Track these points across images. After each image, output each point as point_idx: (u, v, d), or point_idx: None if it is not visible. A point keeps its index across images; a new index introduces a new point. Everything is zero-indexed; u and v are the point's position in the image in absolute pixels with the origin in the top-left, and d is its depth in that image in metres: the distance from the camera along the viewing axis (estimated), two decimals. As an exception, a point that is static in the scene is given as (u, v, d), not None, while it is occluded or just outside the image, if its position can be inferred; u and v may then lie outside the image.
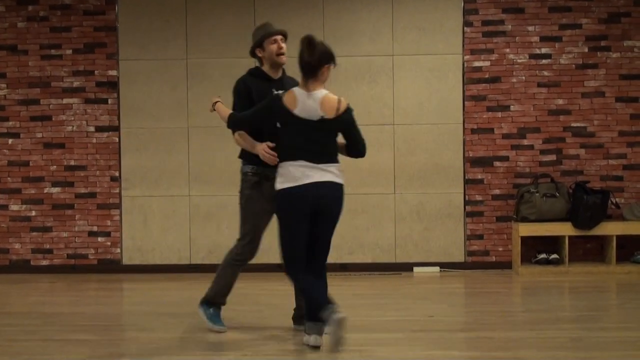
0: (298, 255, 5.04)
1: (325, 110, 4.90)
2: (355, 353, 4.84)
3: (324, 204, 4.94)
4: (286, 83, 5.35)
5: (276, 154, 5.01)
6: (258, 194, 5.29)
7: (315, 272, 5.05)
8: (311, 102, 4.89)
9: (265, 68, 5.40)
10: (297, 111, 4.89)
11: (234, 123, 5.18)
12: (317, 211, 4.95)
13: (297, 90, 4.95)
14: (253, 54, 5.44)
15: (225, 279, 5.43)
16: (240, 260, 5.41)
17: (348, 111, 4.97)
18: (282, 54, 5.33)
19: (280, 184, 4.96)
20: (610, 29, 8.19)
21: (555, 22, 8.21)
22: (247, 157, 5.32)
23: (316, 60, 4.90)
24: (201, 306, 5.50)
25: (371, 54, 8.23)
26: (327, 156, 4.97)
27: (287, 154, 4.95)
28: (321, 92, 4.93)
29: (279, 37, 5.34)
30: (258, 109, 5.06)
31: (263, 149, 5.06)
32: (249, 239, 5.36)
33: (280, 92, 5.09)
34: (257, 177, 5.28)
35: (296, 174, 4.89)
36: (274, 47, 5.31)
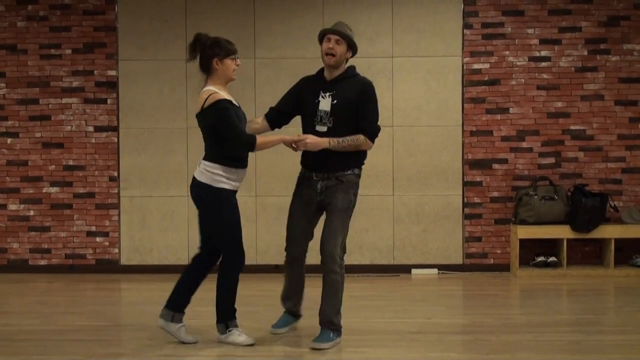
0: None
1: (197, 106, 5.00)
2: (353, 355, 4.84)
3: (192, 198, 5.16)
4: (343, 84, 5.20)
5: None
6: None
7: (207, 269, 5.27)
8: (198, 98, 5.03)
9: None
10: None
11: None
12: None
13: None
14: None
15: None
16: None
17: (212, 106, 4.89)
18: (330, 54, 5.13)
19: None
20: (609, 32, 8.19)
21: (555, 25, 8.22)
22: None
23: (202, 57, 5.01)
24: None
25: (371, 56, 8.23)
26: (206, 151, 5.06)
27: None
28: (205, 88, 5.00)
29: (333, 37, 5.14)
30: None
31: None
32: None
33: None
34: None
35: None
36: (324, 45, 5.17)
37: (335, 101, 5.12)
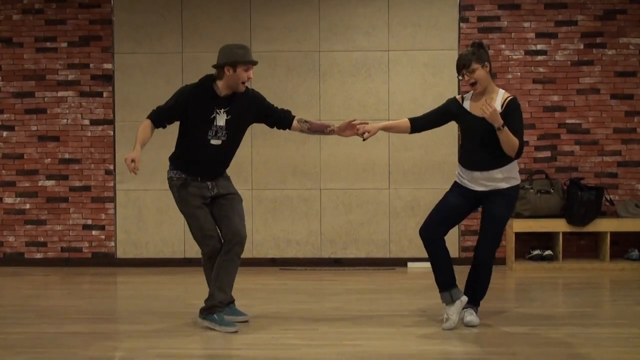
0: None
1: None
2: (349, 348, 4.85)
3: None
4: (236, 100, 5.34)
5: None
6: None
7: None
8: None
9: (221, 85, 5.30)
10: None
11: None
12: None
13: None
14: (219, 67, 5.28)
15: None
16: (206, 259, 5.47)
17: None
18: (246, 82, 5.30)
19: None
20: (605, 25, 8.19)
21: (551, 18, 8.21)
22: None
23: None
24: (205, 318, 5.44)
25: (367, 49, 8.23)
26: None
27: None
28: None
29: (252, 67, 5.26)
30: None
31: None
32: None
33: None
34: None
35: None
36: (245, 74, 5.22)
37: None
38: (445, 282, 5.43)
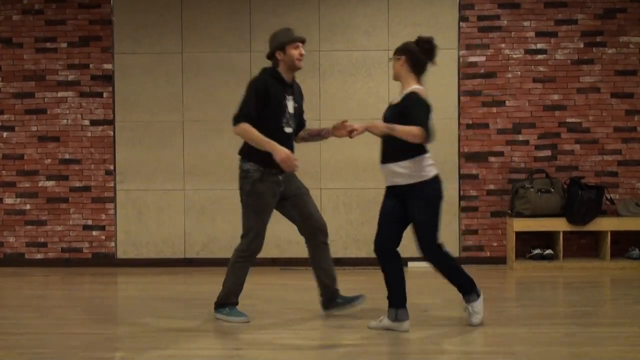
0: None
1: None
2: (350, 347, 4.85)
3: None
4: (295, 88, 5.57)
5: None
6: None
7: None
8: None
9: (282, 70, 5.44)
10: None
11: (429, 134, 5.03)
12: None
13: None
14: (271, 56, 5.47)
15: (233, 278, 5.49)
16: (246, 256, 5.47)
17: None
18: (302, 59, 5.44)
19: None
20: (605, 24, 8.19)
21: (551, 17, 8.21)
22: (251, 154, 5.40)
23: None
24: (217, 311, 5.56)
25: (367, 49, 8.23)
26: None
27: None
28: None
29: (300, 44, 5.43)
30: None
31: None
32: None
33: None
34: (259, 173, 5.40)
35: None
36: (295, 52, 5.39)
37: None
38: (393, 300, 5.28)
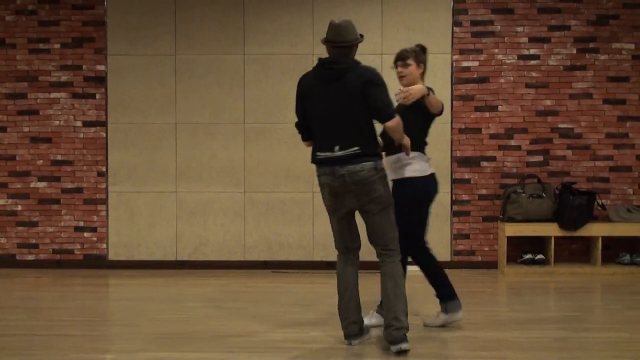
0: None
1: None
2: (341, 351, 4.85)
3: None
4: None
5: None
6: None
7: None
8: None
9: None
10: None
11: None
12: None
13: None
14: (351, 45, 5.51)
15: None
16: None
17: None
18: None
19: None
20: (598, 31, 8.22)
21: (544, 23, 8.24)
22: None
23: None
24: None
25: (360, 53, 8.18)
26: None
27: None
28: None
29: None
30: None
31: None
32: None
33: None
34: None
35: None
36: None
37: None
38: (441, 295, 5.59)
